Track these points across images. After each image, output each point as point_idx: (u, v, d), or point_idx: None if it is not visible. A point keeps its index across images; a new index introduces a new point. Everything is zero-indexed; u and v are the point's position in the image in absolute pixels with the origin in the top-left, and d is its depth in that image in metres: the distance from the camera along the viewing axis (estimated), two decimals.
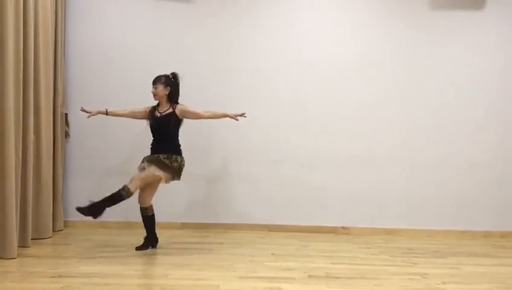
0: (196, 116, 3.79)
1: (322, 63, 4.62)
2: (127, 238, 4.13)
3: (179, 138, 3.78)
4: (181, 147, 3.77)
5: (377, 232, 4.58)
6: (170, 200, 4.61)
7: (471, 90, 4.66)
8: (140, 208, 3.79)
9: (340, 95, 4.63)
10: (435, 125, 4.65)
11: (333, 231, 4.59)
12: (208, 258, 3.50)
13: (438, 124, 4.65)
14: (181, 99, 4.61)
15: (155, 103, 3.81)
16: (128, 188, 3.59)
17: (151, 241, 3.79)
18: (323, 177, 4.63)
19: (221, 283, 2.90)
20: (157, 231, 4.41)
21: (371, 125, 4.64)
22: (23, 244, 3.59)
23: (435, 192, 4.62)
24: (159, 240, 3.83)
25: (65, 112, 4.46)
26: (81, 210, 3.52)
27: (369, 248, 4.02)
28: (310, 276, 3.13)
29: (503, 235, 4.59)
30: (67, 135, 4.53)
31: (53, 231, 4.14)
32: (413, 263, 3.53)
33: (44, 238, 3.94)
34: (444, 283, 3.05)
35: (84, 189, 4.57)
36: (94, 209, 3.53)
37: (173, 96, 3.75)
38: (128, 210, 4.58)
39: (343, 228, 4.61)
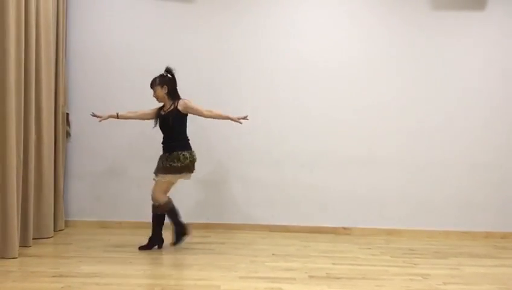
0: (197, 112, 3.78)
1: (323, 63, 4.62)
2: (128, 238, 4.13)
3: (186, 133, 3.78)
4: (189, 141, 3.76)
5: (378, 233, 4.58)
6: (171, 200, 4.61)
7: (472, 91, 4.65)
8: (152, 205, 3.79)
9: (341, 95, 4.63)
10: (436, 126, 4.64)
11: (334, 231, 4.58)
12: (209, 259, 3.50)
13: (439, 125, 4.64)
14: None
15: (159, 103, 3.83)
16: (158, 204, 3.68)
17: (155, 241, 3.76)
18: (324, 177, 4.63)
19: (222, 283, 2.90)
20: None
21: (372, 125, 4.64)
22: (24, 244, 3.60)
23: (436, 193, 4.62)
24: (164, 241, 3.80)
25: (66, 111, 4.47)
26: (144, 248, 3.67)
27: (370, 248, 4.02)
28: (310, 276, 3.13)
29: (504, 236, 4.59)
30: (68, 134, 4.53)
31: (54, 230, 4.15)
32: (414, 264, 3.53)
33: (45, 238, 3.94)
34: (444, 283, 3.05)
35: (85, 189, 4.59)
36: (154, 241, 3.72)
37: (173, 93, 3.76)
38: (128, 211, 4.60)
39: (344, 228, 4.61)
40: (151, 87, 3.76)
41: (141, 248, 3.70)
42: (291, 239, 4.12)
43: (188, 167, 3.71)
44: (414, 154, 4.63)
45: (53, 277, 2.95)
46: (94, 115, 3.87)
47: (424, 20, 4.64)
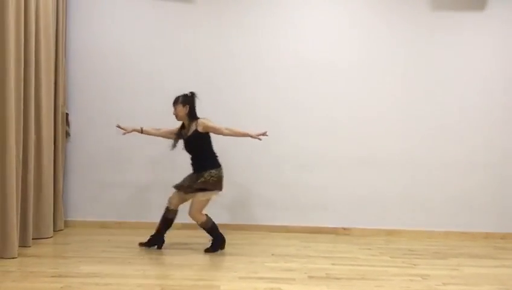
0: (216, 131, 3.77)
1: (323, 64, 4.62)
2: (127, 238, 4.13)
3: (212, 150, 3.80)
4: (217, 157, 3.79)
5: (378, 233, 4.58)
6: None
7: (472, 91, 4.65)
8: (166, 207, 3.82)
9: (341, 96, 4.63)
10: (435, 127, 4.64)
11: (334, 231, 4.58)
12: (209, 259, 3.50)
13: (440, 126, 4.64)
14: None
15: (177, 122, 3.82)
16: (201, 222, 3.73)
17: (157, 241, 3.78)
18: (325, 178, 4.63)
19: (222, 284, 2.90)
20: None
21: (372, 126, 4.64)
22: (23, 244, 3.59)
23: (435, 193, 4.62)
24: (165, 241, 3.82)
25: (66, 111, 4.47)
26: (144, 245, 3.73)
27: (369, 249, 4.02)
28: (310, 277, 3.12)
29: (504, 236, 4.59)
30: (67, 134, 4.53)
31: (53, 230, 4.14)
32: (414, 264, 3.53)
33: (44, 238, 3.94)
34: (444, 284, 3.05)
35: (84, 189, 4.58)
36: (155, 241, 3.75)
37: (192, 113, 3.76)
38: (128, 211, 4.60)
39: (344, 229, 4.61)
40: (173, 104, 3.75)
41: (141, 244, 3.73)
42: (290, 239, 4.12)
43: (215, 184, 3.72)
44: (414, 155, 4.63)
45: (52, 277, 2.95)
46: (119, 127, 3.84)
47: (424, 20, 4.64)
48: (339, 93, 4.63)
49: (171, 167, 4.61)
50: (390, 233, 4.59)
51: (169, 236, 4.24)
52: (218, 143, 4.60)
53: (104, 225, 4.55)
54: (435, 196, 4.62)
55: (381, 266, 3.47)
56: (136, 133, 4.54)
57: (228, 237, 4.26)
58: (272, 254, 3.72)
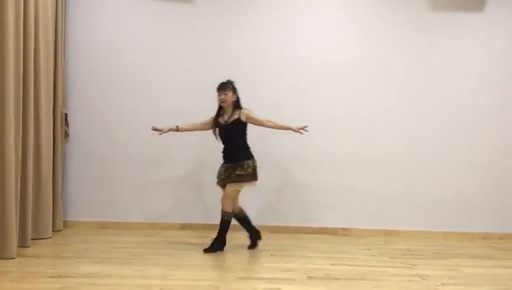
0: (258, 123, 3.80)
1: (323, 64, 4.63)
2: (126, 238, 4.13)
3: (247, 142, 3.82)
4: (250, 149, 3.81)
5: (377, 234, 4.58)
6: (170, 201, 4.62)
7: (471, 92, 4.66)
8: (222, 211, 3.81)
9: (340, 96, 4.63)
10: (434, 127, 4.65)
11: (333, 232, 4.59)
12: (208, 259, 3.50)
13: (438, 126, 4.65)
14: (181, 101, 4.65)
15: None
16: (225, 211, 3.73)
17: (220, 245, 3.78)
18: (324, 178, 4.63)
19: (221, 284, 2.90)
20: (157, 231, 4.44)
21: (371, 126, 4.65)
22: (22, 244, 3.59)
23: (434, 194, 4.63)
24: (226, 243, 3.84)
25: (65, 112, 4.46)
26: (208, 250, 3.69)
27: (368, 249, 4.02)
28: (309, 277, 3.13)
29: (503, 237, 4.59)
30: (66, 135, 4.52)
31: (52, 231, 4.14)
32: (413, 265, 3.53)
33: (43, 239, 3.94)
34: (443, 284, 3.05)
35: (83, 189, 4.58)
36: (218, 245, 3.74)
37: (238, 102, 3.79)
38: (127, 211, 4.60)
39: (343, 229, 4.61)
40: (223, 89, 3.72)
41: (206, 251, 3.70)
42: (290, 240, 4.12)
43: (252, 175, 3.73)
44: (413, 155, 4.64)
45: (51, 277, 2.94)
46: (155, 129, 3.81)
47: (423, 21, 4.64)
48: (338, 93, 4.63)
49: (171, 167, 4.62)
50: (389, 233, 4.59)
51: (168, 237, 4.25)
52: (217, 143, 4.61)
53: (103, 226, 4.55)
54: (433, 196, 4.62)
55: (380, 266, 3.47)
56: (134, 133, 4.59)
57: (227, 237, 4.27)
58: (271, 255, 3.72)
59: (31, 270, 3.09)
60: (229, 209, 3.74)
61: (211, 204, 4.63)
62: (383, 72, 4.66)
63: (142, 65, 4.62)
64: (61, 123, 4.38)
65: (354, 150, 4.62)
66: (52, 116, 4.17)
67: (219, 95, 3.76)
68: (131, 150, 4.61)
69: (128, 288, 2.76)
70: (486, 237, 4.60)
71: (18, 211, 3.50)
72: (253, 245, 3.87)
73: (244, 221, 3.90)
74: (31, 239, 3.72)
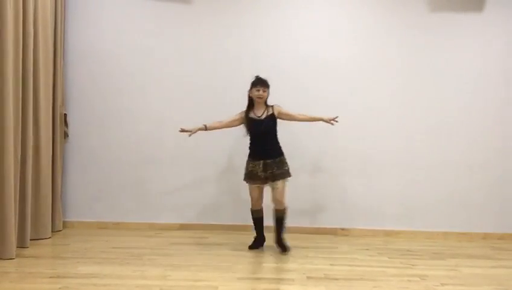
0: (291, 117, 3.83)
1: (322, 64, 4.63)
2: (126, 239, 4.13)
3: None
4: None
5: (376, 234, 4.58)
6: (169, 201, 4.62)
7: (470, 92, 4.66)
8: (254, 210, 3.85)
9: (339, 96, 4.63)
10: (434, 128, 4.65)
11: (332, 232, 4.59)
12: (207, 260, 3.50)
13: (438, 126, 4.65)
14: (181, 101, 4.65)
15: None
16: (285, 208, 3.78)
17: (260, 241, 3.87)
18: (323, 178, 4.63)
19: (220, 284, 2.90)
20: (157, 232, 4.44)
21: (370, 126, 4.65)
22: (21, 244, 3.59)
23: (434, 194, 4.63)
24: (265, 239, 3.93)
25: (64, 112, 4.46)
26: (286, 249, 3.75)
27: (368, 249, 4.02)
28: (308, 277, 3.13)
29: (502, 237, 4.60)
30: (66, 135, 4.52)
31: (52, 231, 4.14)
32: (412, 265, 3.53)
33: (43, 239, 3.94)
34: (442, 284, 3.05)
35: (83, 189, 4.58)
36: (282, 243, 3.78)
37: (267, 99, 3.83)
38: (127, 212, 4.60)
39: (342, 229, 4.61)
40: (263, 86, 3.76)
41: (250, 247, 3.82)
42: (289, 240, 4.10)
43: (289, 171, 3.80)
44: (412, 155, 4.64)
45: (50, 277, 2.95)
46: (183, 131, 3.77)
47: (422, 22, 4.64)
48: (337, 93, 4.63)
49: (170, 168, 4.62)
50: (388, 234, 4.59)
51: (168, 237, 4.25)
52: (216, 144, 4.61)
53: (102, 226, 4.55)
54: (433, 196, 4.62)
55: (379, 266, 3.47)
56: (134, 134, 4.59)
57: (226, 238, 4.28)
58: (270, 255, 3.72)
59: (30, 270, 3.09)
60: (286, 204, 3.77)
61: (210, 204, 4.64)
62: (382, 72, 4.66)
63: (141, 66, 4.62)
64: (61, 123, 4.38)
65: (353, 150, 4.62)
66: (51, 117, 4.17)
67: (257, 90, 3.75)
68: (130, 151, 4.61)
69: (128, 288, 2.77)
70: (486, 237, 4.60)
71: (17, 212, 3.50)
72: (253, 247, 3.88)
73: (260, 221, 3.90)
74: (30, 239, 3.72)
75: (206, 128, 3.82)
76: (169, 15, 4.62)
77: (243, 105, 4.56)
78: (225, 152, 4.64)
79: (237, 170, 4.59)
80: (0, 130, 3.27)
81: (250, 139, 3.84)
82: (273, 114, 3.78)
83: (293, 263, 3.50)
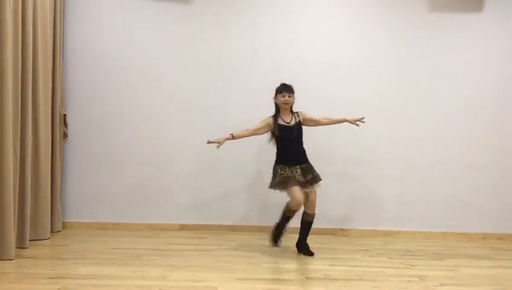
0: (316, 123, 3.84)
1: (321, 64, 4.63)
2: (125, 239, 4.13)
3: None
4: None
5: (376, 234, 4.59)
6: (169, 202, 4.61)
7: (470, 93, 4.66)
8: (294, 210, 3.78)
9: (338, 96, 4.63)
10: (433, 128, 4.65)
11: (332, 232, 4.59)
12: (207, 260, 3.50)
13: (437, 127, 4.65)
14: (180, 101, 4.65)
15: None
16: (315, 213, 3.80)
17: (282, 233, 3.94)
18: (322, 179, 4.62)
19: (220, 285, 2.90)
20: (156, 232, 4.45)
21: (370, 126, 4.62)
22: (21, 245, 3.59)
23: (433, 194, 4.63)
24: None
25: (63, 112, 4.46)
26: (310, 253, 3.74)
27: (367, 249, 4.02)
28: (308, 278, 3.13)
29: (501, 237, 4.60)
30: (65, 135, 4.52)
31: (51, 232, 4.13)
32: (412, 265, 3.54)
33: (42, 240, 3.93)
34: (442, 285, 3.06)
35: (82, 190, 4.58)
36: (308, 247, 3.78)
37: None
38: (126, 212, 4.60)
39: (341, 229, 4.62)
40: (290, 91, 3.76)
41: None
42: (288, 240, 4.10)
43: None
44: (412, 156, 4.64)
45: (50, 278, 2.94)
46: (210, 142, 3.71)
47: (422, 22, 4.65)
48: (336, 93, 4.63)
49: (170, 168, 4.62)
50: (387, 234, 4.60)
51: (167, 237, 4.24)
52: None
53: (102, 227, 4.54)
54: (432, 196, 4.63)
55: (378, 267, 3.47)
56: (133, 134, 4.59)
57: (225, 238, 4.28)
58: (270, 255, 3.72)
59: (30, 271, 3.08)
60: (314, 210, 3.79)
61: (209, 205, 4.64)
62: (380, 73, 4.66)
63: (140, 66, 4.62)
64: (60, 124, 4.38)
65: (352, 150, 4.62)
66: (50, 117, 4.17)
67: (283, 96, 3.74)
68: (130, 151, 4.61)
69: (127, 289, 2.76)
70: (485, 237, 4.60)
71: (16, 212, 3.50)
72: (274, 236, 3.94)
73: (287, 221, 3.88)
74: (30, 240, 3.72)
75: (233, 138, 3.75)
76: (169, 15, 4.62)
77: (243, 105, 4.59)
78: (224, 152, 4.63)
79: (237, 170, 4.60)
80: (0, 130, 3.27)
81: (280, 145, 3.77)
82: (300, 121, 3.78)
83: (293, 263, 3.50)
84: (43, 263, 3.35)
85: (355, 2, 4.68)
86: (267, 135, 3.88)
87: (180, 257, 3.58)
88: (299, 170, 3.72)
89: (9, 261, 3.27)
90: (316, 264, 3.47)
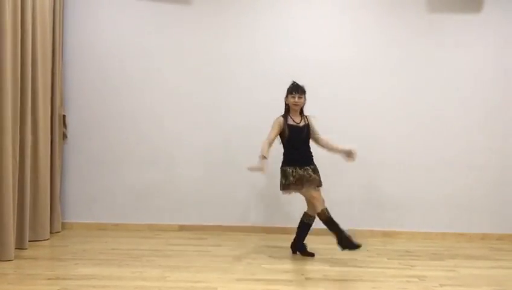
0: (313, 135, 3.78)
1: (321, 64, 4.63)
2: (125, 240, 4.13)
3: None
4: None
5: (375, 235, 4.59)
6: (169, 202, 4.62)
7: (468, 93, 4.67)
8: (314, 215, 3.76)
9: (338, 96, 4.63)
10: (433, 128, 4.66)
11: (331, 233, 4.57)
12: (206, 261, 3.50)
13: (436, 127, 4.66)
14: (180, 101, 4.65)
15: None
16: (324, 210, 3.66)
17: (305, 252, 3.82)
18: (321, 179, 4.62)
19: (219, 285, 2.90)
20: (156, 233, 4.44)
21: (369, 127, 4.65)
22: (20, 246, 3.59)
23: (432, 194, 4.63)
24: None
25: (63, 113, 4.46)
26: (311, 254, 3.73)
27: (366, 250, 4.01)
28: (307, 278, 3.13)
29: (500, 237, 4.60)
30: (64, 136, 4.52)
31: (50, 232, 4.14)
32: (411, 266, 3.54)
33: (41, 240, 3.93)
34: (441, 285, 3.06)
35: (82, 191, 4.58)
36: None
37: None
38: (126, 213, 4.60)
39: None
40: (301, 92, 3.69)
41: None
42: (288, 241, 4.11)
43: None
44: (411, 156, 4.64)
45: (49, 279, 2.94)
46: (252, 169, 3.61)
47: (421, 22, 4.65)
48: (335, 94, 4.63)
49: (169, 169, 4.62)
50: (387, 234, 4.60)
51: (167, 238, 4.24)
52: (215, 146, 4.61)
53: (101, 227, 4.54)
54: (431, 197, 4.63)
55: (378, 267, 3.47)
56: (133, 135, 4.59)
57: (225, 239, 4.28)
58: (269, 256, 3.72)
59: (29, 272, 3.08)
60: (322, 207, 3.72)
61: (209, 205, 4.64)
62: (380, 73, 4.66)
63: (140, 66, 4.62)
64: (59, 125, 4.38)
65: None
66: (50, 118, 4.17)
67: (293, 97, 3.68)
68: (129, 152, 4.61)
69: None
70: (484, 237, 4.60)
71: (16, 213, 3.50)
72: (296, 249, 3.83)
73: (308, 228, 3.83)
74: (29, 241, 3.72)
75: (266, 158, 3.60)
76: (169, 15, 4.62)
77: (243, 105, 4.59)
78: (224, 153, 4.64)
79: (236, 170, 4.59)
80: None
81: (290, 146, 3.70)
82: (309, 123, 3.75)
83: (292, 264, 3.50)
84: (43, 263, 3.35)
85: (355, 3, 4.68)
86: (267, 132, 3.85)
87: (180, 257, 3.58)
88: (310, 171, 3.69)
89: (8, 262, 3.27)
90: (315, 265, 3.47)
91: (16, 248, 3.46)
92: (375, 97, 4.65)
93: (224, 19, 4.64)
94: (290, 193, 3.72)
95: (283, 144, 3.75)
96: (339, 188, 4.61)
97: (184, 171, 4.63)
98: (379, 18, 4.67)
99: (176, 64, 4.64)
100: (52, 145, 4.23)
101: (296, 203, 4.64)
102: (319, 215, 3.67)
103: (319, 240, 4.34)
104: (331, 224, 3.64)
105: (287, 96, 3.75)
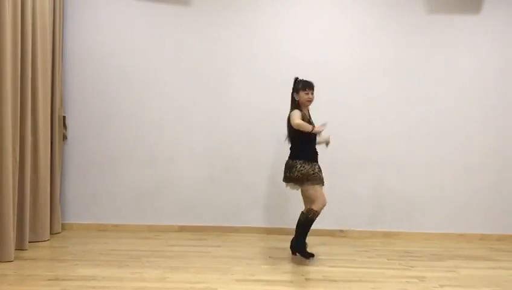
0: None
1: (320, 66, 4.63)
2: (125, 241, 4.13)
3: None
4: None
5: (375, 235, 4.59)
6: (169, 203, 4.62)
7: (468, 94, 4.67)
8: (319, 213, 3.69)
9: (337, 97, 4.64)
10: (432, 129, 4.66)
11: (331, 234, 4.59)
12: (206, 261, 3.50)
13: (435, 127, 4.66)
14: (180, 101, 4.65)
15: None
16: (316, 212, 3.61)
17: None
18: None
19: (219, 286, 2.90)
20: (156, 234, 4.44)
21: (368, 127, 4.65)
22: (20, 247, 3.59)
23: (432, 195, 4.63)
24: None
25: (63, 114, 4.46)
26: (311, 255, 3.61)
27: (366, 251, 4.03)
28: (307, 279, 3.13)
29: (500, 238, 4.60)
30: (64, 137, 4.52)
31: (50, 233, 4.13)
32: (411, 266, 3.54)
33: (41, 241, 3.93)
34: (441, 286, 3.06)
35: (81, 192, 4.58)
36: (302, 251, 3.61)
37: None
38: (126, 214, 4.60)
39: (340, 231, 4.62)
40: (313, 88, 3.65)
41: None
42: (288, 242, 4.12)
43: (308, 177, 3.69)
44: (410, 157, 4.65)
45: (49, 280, 2.94)
46: (320, 143, 3.73)
47: (419, 23, 4.65)
48: (334, 95, 4.63)
49: (169, 170, 4.62)
50: (387, 235, 4.60)
51: (166, 239, 4.24)
52: (216, 147, 4.61)
53: (101, 228, 4.54)
54: (431, 197, 4.63)
55: (378, 268, 3.48)
56: (132, 135, 4.60)
57: (224, 240, 4.28)
58: (269, 257, 3.73)
59: (29, 273, 3.08)
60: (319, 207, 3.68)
61: (209, 206, 4.64)
62: (379, 74, 4.67)
63: (140, 68, 4.62)
64: (59, 126, 4.38)
65: (351, 152, 4.62)
66: (49, 119, 4.17)
67: (307, 94, 3.62)
68: (129, 152, 4.61)
69: None
70: (484, 238, 4.61)
71: (16, 214, 3.50)
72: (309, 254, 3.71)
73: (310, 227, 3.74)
74: (29, 242, 3.72)
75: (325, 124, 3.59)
76: (168, 17, 4.63)
77: (242, 105, 4.59)
78: (224, 153, 4.64)
79: (236, 170, 4.60)
80: None
81: (305, 142, 3.63)
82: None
83: (292, 264, 3.50)
84: (43, 264, 3.35)
85: (354, 3, 4.68)
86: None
87: (180, 258, 3.58)
88: (316, 168, 3.66)
89: (8, 263, 3.27)
90: (315, 266, 3.47)
91: (15, 249, 3.46)
92: (374, 98, 4.65)
93: (223, 20, 4.64)
94: (300, 187, 3.67)
95: (293, 138, 3.66)
96: (338, 188, 4.62)
97: (184, 172, 4.63)
98: (378, 19, 4.67)
99: (175, 66, 4.65)
100: (52, 146, 4.23)
101: (296, 204, 4.65)
102: (309, 210, 3.62)
103: (318, 241, 4.35)
104: (306, 226, 3.60)
105: (298, 92, 3.64)
